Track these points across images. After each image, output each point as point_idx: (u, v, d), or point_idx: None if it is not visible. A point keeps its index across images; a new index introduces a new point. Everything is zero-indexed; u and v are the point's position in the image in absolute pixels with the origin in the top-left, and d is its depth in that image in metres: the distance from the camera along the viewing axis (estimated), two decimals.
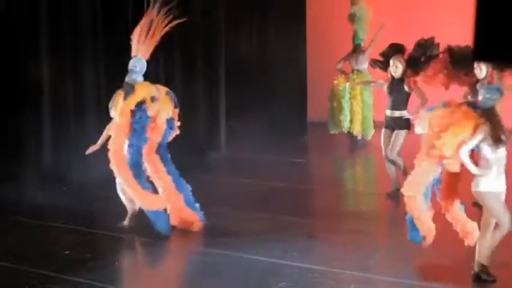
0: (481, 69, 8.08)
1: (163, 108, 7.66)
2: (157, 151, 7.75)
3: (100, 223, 8.11)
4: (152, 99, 7.54)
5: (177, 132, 7.93)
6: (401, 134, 8.91)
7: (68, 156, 9.43)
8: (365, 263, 6.96)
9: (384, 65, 9.08)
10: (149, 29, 7.77)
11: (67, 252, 7.24)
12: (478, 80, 8.13)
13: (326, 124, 13.33)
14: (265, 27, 12.72)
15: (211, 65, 11.77)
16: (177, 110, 7.87)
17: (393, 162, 8.99)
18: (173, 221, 7.78)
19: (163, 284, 6.65)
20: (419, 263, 7.05)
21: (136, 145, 7.53)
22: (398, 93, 8.90)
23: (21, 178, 9.08)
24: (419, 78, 8.85)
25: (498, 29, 2.08)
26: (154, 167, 7.74)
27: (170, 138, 7.87)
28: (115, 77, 8.62)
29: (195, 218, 7.87)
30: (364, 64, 12.43)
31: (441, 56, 8.65)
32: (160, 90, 7.70)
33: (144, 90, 7.57)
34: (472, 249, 6.55)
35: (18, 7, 9.11)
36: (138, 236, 7.69)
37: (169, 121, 7.78)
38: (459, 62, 8.38)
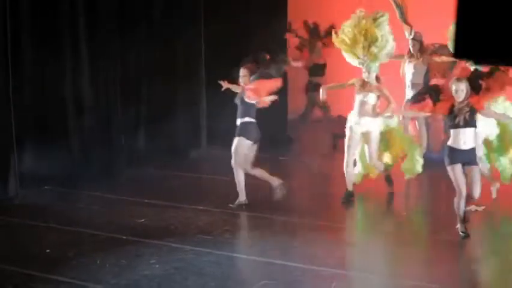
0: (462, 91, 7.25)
1: None
2: None
3: (81, 222, 8.11)
4: None
5: None
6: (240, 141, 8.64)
7: (51, 155, 9.39)
8: (346, 260, 7.00)
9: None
10: None
11: (47, 251, 7.23)
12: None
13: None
14: (247, 23, 12.67)
15: (192, 64, 11.78)
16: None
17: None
18: None
19: (143, 282, 6.64)
20: (399, 260, 7.11)
21: None
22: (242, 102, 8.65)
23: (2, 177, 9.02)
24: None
25: (479, 27, 2.12)
26: None
27: None
28: None
29: None
30: None
31: None
32: None
33: None
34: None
35: None
36: (120, 235, 7.70)
37: None
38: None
